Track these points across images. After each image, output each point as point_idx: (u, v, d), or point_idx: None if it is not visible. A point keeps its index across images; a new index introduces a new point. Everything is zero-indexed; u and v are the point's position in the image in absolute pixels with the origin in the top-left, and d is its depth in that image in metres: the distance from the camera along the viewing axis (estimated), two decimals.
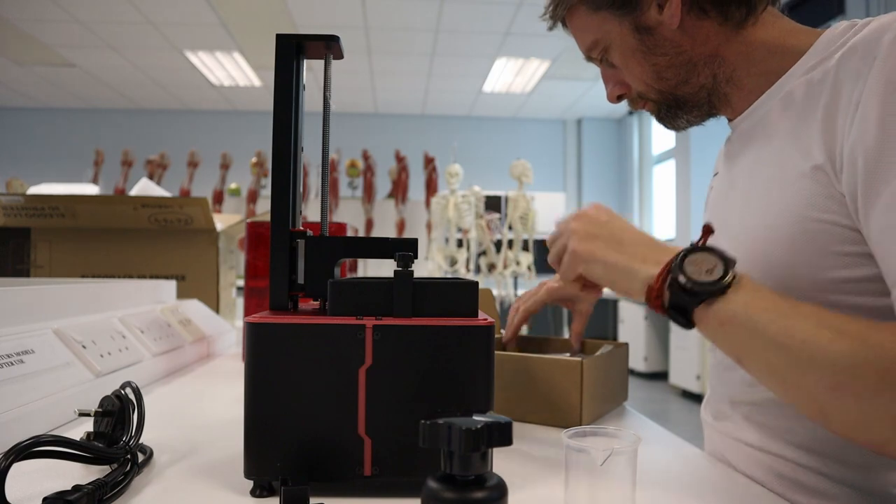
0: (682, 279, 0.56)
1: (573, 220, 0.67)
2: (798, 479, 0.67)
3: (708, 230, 0.61)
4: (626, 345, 0.92)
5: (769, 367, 0.55)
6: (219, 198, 5.52)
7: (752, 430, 0.71)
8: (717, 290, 0.55)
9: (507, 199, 4.88)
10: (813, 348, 0.51)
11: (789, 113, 0.68)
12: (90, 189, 2.94)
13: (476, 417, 0.38)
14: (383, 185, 5.96)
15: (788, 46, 0.71)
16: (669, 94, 0.76)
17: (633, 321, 5.79)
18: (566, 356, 0.82)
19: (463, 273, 4.37)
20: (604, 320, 6.29)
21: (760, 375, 0.57)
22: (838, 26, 0.67)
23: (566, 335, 0.98)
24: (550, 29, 0.82)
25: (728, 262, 0.56)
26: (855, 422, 0.51)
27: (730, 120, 0.80)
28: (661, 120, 0.81)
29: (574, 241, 0.65)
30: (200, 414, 0.83)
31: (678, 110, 0.78)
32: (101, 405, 0.60)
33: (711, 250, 0.57)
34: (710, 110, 0.78)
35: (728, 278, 0.55)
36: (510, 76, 6.49)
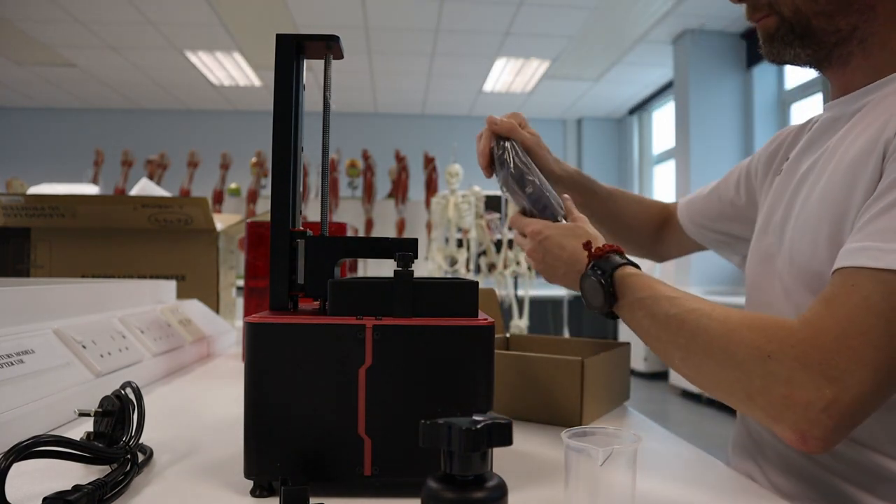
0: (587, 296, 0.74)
1: (527, 244, 0.83)
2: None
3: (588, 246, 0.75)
4: (628, 344, 0.92)
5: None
6: (219, 198, 5.52)
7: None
8: (607, 313, 0.72)
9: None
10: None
11: (882, 110, 0.65)
12: (90, 189, 2.94)
13: (476, 417, 0.38)
14: (383, 185, 5.96)
15: None
16: (804, 18, 0.70)
17: None
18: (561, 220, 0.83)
19: (463, 273, 4.37)
20: (604, 320, 6.28)
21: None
22: None
23: (566, 335, 0.98)
24: None
25: (607, 289, 0.70)
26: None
27: (832, 95, 0.77)
28: (771, 41, 0.74)
29: (529, 250, 0.83)
30: (200, 414, 0.83)
31: (797, 39, 0.71)
32: (100, 405, 0.60)
33: (602, 279, 0.71)
34: (825, 59, 0.72)
35: (606, 307, 0.71)
36: (510, 76, 6.48)
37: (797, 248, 0.70)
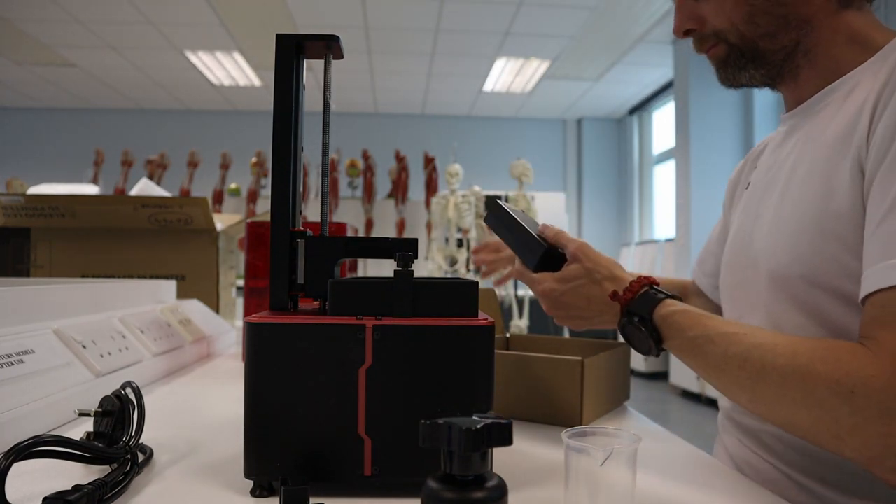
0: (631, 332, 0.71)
1: (543, 303, 0.79)
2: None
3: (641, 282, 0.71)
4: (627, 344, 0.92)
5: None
6: (219, 198, 5.52)
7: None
8: (656, 352, 0.69)
9: (507, 198, 4.88)
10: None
11: (845, 112, 0.67)
12: (90, 189, 2.93)
13: (476, 417, 0.38)
14: (383, 185, 5.96)
15: (868, 40, 0.70)
16: (750, 42, 0.73)
17: None
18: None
19: (463, 273, 4.37)
20: None
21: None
22: None
23: (566, 335, 0.99)
24: None
25: (651, 334, 0.67)
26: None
27: (786, 108, 0.79)
28: (725, 68, 0.76)
29: (548, 309, 0.80)
30: (200, 414, 0.83)
31: (749, 63, 0.74)
32: (100, 405, 0.60)
33: (642, 325, 0.68)
34: (777, 75, 0.75)
35: (656, 351, 0.68)
36: (510, 76, 6.48)
37: (774, 256, 0.70)
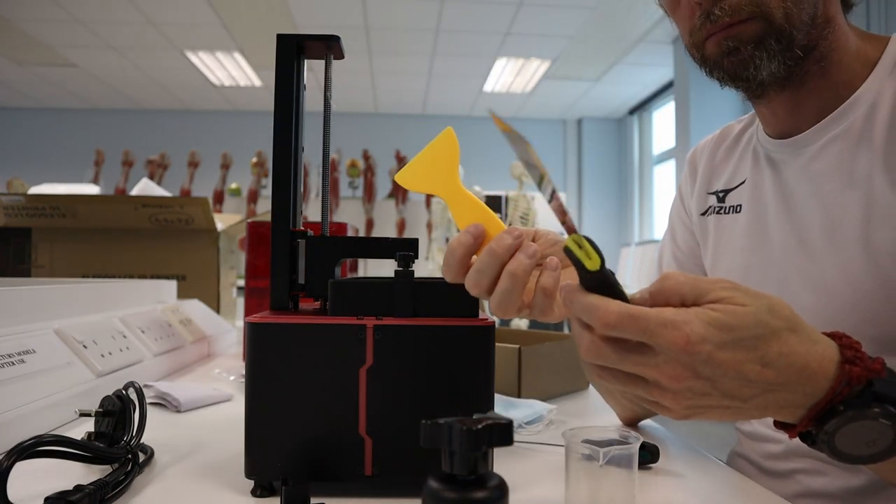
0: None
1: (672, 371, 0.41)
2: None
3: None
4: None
5: None
6: (219, 198, 5.51)
7: None
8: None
9: (507, 199, 4.88)
10: None
11: (874, 131, 0.62)
12: (91, 189, 2.93)
13: (476, 417, 0.38)
14: (384, 184, 5.96)
15: (864, 52, 0.66)
16: (789, 29, 0.62)
17: None
18: None
19: None
20: None
21: None
22: None
23: (567, 331, 1.01)
24: None
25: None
26: None
27: (767, 127, 0.72)
28: (755, 52, 0.64)
29: (670, 401, 0.42)
30: (201, 414, 0.83)
31: (779, 53, 0.63)
32: (101, 405, 0.60)
33: (875, 409, 0.41)
34: (785, 78, 0.65)
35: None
36: (510, 76, 6.48)
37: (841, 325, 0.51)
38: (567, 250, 0.41)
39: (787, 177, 0.72)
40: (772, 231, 0.73)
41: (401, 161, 5.42)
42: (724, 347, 0.40)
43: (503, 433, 0.37)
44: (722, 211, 0.80)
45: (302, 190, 0.62)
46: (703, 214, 0.84)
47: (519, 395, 0.91)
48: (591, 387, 1.02)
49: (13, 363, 0.68)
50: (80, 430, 0.66)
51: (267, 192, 5.47)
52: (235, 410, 0.82)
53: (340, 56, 0.64)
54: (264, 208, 4.33)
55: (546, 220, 5.61)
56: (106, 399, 0.60)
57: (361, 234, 4.96)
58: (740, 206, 0.78)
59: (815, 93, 0.67)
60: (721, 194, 0.81)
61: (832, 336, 0.44)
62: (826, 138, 0.68)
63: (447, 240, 4.47)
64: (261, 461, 0.52)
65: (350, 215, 5.46)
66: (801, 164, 0.70)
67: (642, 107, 7.40)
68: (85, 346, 0.82)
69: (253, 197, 5.46)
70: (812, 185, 0.68)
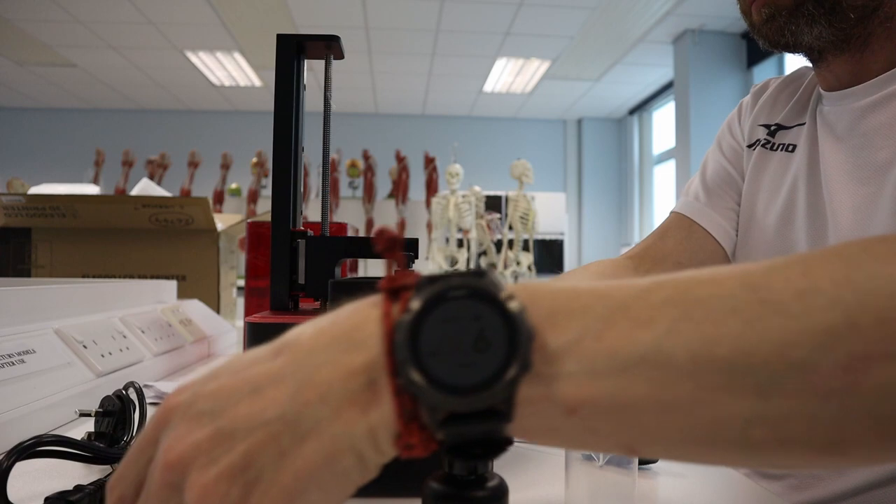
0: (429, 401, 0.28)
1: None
2: None
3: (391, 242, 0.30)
4: None
5: None
6: (219, 198, 5.52)
7: None
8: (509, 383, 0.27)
9: (507, 199, 4.88)
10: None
11: None
12: (91, 189, 2.93)
13: None
14: (384, 185, 5.96)
15: None
16: None
17: None
18: None
19: None
20: None
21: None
22: None
23: None
24: None
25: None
26: None
27: (825, 86, 0.68)
28: (791, 18, 0.62)
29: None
30: None
31: (824, 16, 0.61)
32: (101, 405, 0.60)
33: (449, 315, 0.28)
34: (844, 41, 0.63)
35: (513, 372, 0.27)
36: (510, 76, 6.49)
37: None
38: None
39: (839, 130, 0.69)
40: (823, 178, 0.69)
41: (401, 161, 5.43)
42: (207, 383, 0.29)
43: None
44: (770, 146, 0.77)
45: (302, 190, 0.62)
46: (750, 147, 0.80)
47: None
48: None
49: (13, 363, 0.68)
50: (80, 430, 0.66)
51: (267, 192, 5.47)
52: None
53: (340, 56, 0.64)
54: (264, 208, 4.33)
55: (546, 220, 5.61)
56: (106, 399, 0.60)
57: (362, 234, 4.96)
58: (794, 146, 0.75)
59: (880, 54, 0.63)
60: (774, 128, 0.77)
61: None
62: (883, 93, 0.64)
63: (447, 240, 4.48)
64: None
65: (350, 215, 5.46)
66: (852, 119, 0.67)
67: (642, 107, 7.40)
68: (85, 347, 0.82)
69: (253, 197, 5.47)
70: (863, 139, 0.65)
